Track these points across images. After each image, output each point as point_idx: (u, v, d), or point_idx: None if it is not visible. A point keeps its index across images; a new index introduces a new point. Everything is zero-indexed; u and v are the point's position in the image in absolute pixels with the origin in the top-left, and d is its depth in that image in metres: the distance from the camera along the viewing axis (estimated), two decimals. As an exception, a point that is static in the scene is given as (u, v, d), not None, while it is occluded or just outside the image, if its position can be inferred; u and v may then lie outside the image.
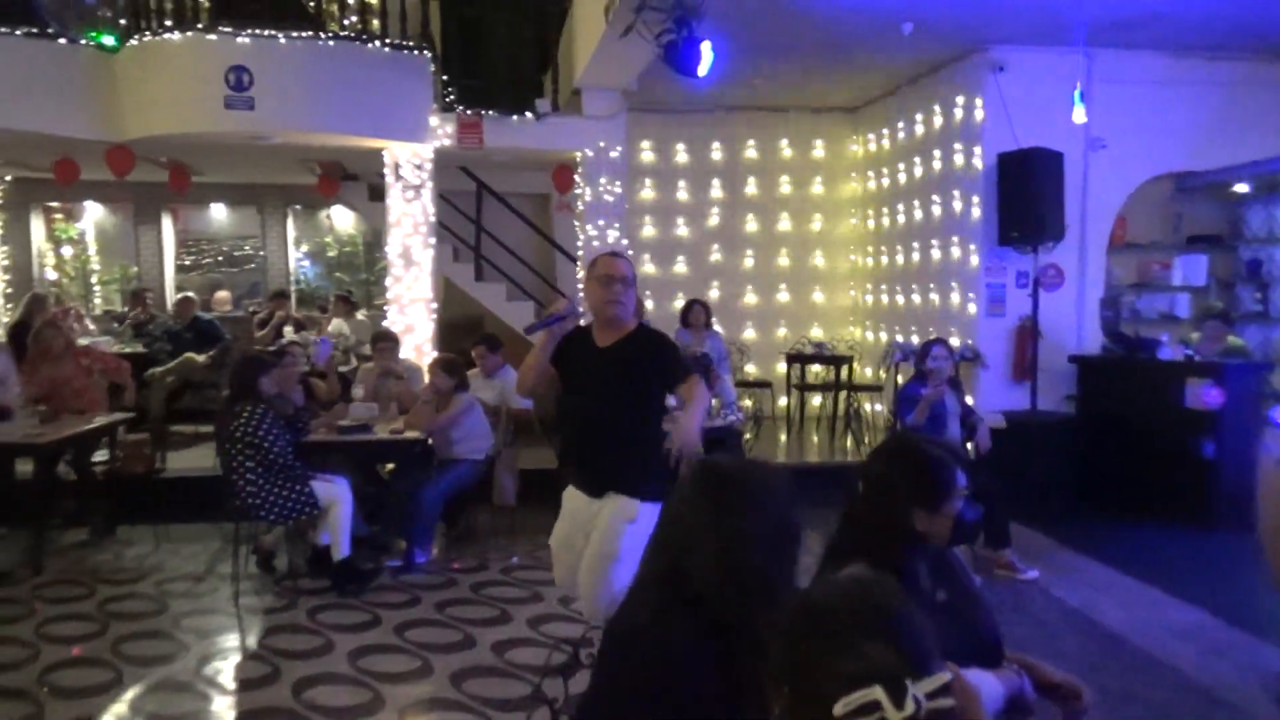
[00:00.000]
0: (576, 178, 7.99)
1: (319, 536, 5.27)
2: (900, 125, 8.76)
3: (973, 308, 7.58)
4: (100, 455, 6.50)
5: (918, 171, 8.55)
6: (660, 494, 3.30)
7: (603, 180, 7.75)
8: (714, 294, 9.67)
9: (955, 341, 7.59)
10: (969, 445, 5.68)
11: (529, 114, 7.57)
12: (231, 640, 4.53)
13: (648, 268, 9.71)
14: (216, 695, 3.92)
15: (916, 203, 8.57)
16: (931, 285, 8.29)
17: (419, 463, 5.84)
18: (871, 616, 1.26)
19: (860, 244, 9.93)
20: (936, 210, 8.17)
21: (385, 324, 7.64)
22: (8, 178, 10.40)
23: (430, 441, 5.84)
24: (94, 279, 12.39)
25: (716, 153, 9.77)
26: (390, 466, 6.34)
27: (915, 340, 8.36)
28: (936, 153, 8.15)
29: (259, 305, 11.45)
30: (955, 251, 7.85)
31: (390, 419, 6.11)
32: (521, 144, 7.68)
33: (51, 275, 12.20)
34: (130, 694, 3.92)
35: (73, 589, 5.19)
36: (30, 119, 6.80)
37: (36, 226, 12.10)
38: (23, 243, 11.84)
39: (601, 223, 7.78)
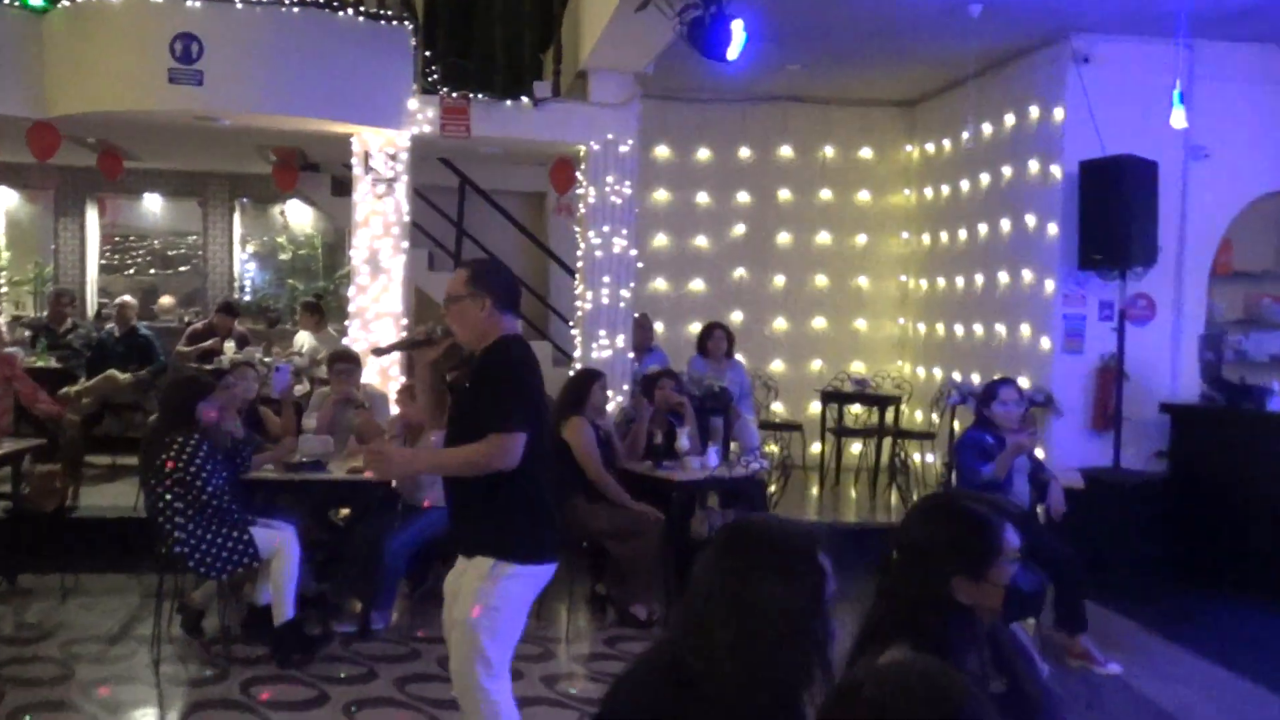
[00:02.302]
0: (579, 175, 8.04)
1: (258, 594, 5.25)
2: (964, 126, 8.83)
3: (1046, 343, 7.59)
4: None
5: (984, 181, 8.61)
6: (534, 552, 3.42)
7: (610, 179, 7.80)
8: (737, 317, 9.72)
9: (1024, 382, 7.60)
10: (1039, 508, 5.67)
11: (525, 99, 7.64)
12: (149, 716, 4.51)
13: (658, 284, 9.77)
14: (130, 781, 3.91)
15: (981, 219, 8.62)
16: (997, 316, 8.32)
17: (381, 508, 5.84)
18: (931, 715, 1.27)
19: (913, 265, 9.99)
20: (1005, 227, 8.22)
21: (346, 342, 7.68)
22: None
23: (395, 483, 5.85)
24: (2, 278, 12.47)
25: (745, 152, 9.86)
26: (346, 512, 6.34)
27: (975, 380, 8.37)
28: (1007, 159, 8.21)
29: (196, 315, 11.53)
30: (1026, 276, 7.88)
31: (348, 455, 6.12)
32: (515, 134, 7.75)
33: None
34: (27, 776, 3.91)
35: (-37, 647, 5.19)
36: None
37: (-63, 216, 12.22)
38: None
39: (607, 229, 7.82)
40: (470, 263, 3.70)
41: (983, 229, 8.61)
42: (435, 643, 5.43)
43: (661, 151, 9.74)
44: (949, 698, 1.30)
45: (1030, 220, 7.84)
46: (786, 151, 9.92)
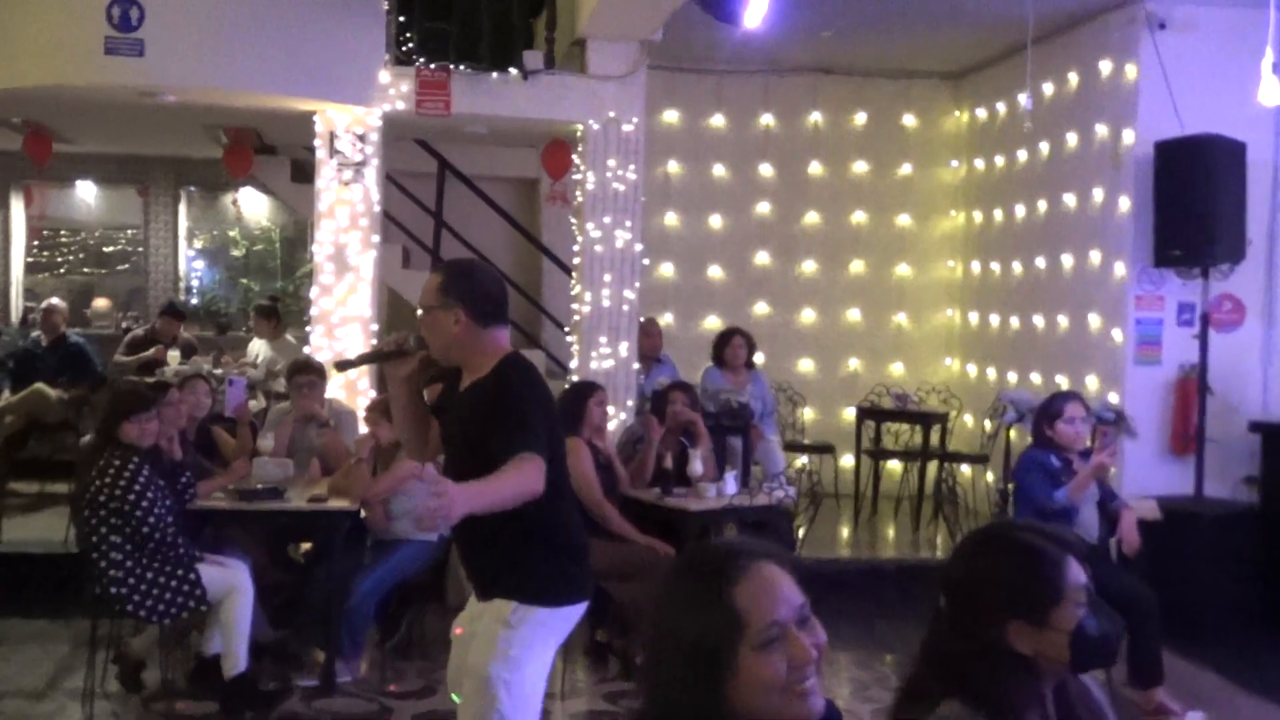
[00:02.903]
0: (575, 158, 8.06)
1: (207, 642, 5.26)
2: (1021, 89, 8.83)
3: (1118, 335, 7.59)
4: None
5: (1042, 152, 8.62)
6: (560, 592, 3.43)
7: (611, 163, 7.82)
8: (760, 310, 9.73)
9: (1092, 383, 7.62)
10: (1110, 542, 5.65)
11: (513, 71, 7.66)
12: (80, 782, 4.52)
13: (666, 271, 9.77)
14: None
15: (1042, 193, 8.64)
16: (1060, 305, 8.36)
17: (348, 543, 5.83)
18: None
19: (962, 248, 10.02)
20: (1070, 203, 8.23)
21: (307, 351, 7.69)
22: None
23: (364, 514, 5.84)
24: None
25: (768, 119, 9.87)
26: (307, 547, 6.34)
27: (1036, 379, 8.36)
28: (1072, 125, 8.21)
29: (136, 320, 11.56)
30: (1094, 259, 7.90)
31: (310, 481, 6.13)
32: (502, 111, 7.77)
33: None
34: None
35: None
36: None
37: None
38: None
39: (608, 220, 7.83)
40: (445, 266, 3.69)
41: (1043, 205, 8.62)
42: (409, 698, 5.45)
43: (670, 118, 9.73)
44: None
45: (1098, 195, 7.84)
46: (816, 118, 9.92)
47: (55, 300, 9.62)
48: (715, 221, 9.89)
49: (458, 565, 6.09)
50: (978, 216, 9.74)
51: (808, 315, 9.99)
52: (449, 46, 7.94)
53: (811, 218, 9.97)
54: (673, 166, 9.80)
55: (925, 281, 10.13)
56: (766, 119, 9.87)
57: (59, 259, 12.95)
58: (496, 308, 3.50)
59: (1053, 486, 5.42)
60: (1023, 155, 8.94)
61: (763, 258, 9.93)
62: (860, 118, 9.95)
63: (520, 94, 7.71)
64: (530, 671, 3.40)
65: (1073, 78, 8.23)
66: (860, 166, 9.99)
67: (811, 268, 9.98)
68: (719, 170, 9.87)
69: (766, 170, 9.92)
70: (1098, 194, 7.85)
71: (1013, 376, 8.86)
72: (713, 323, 9.47)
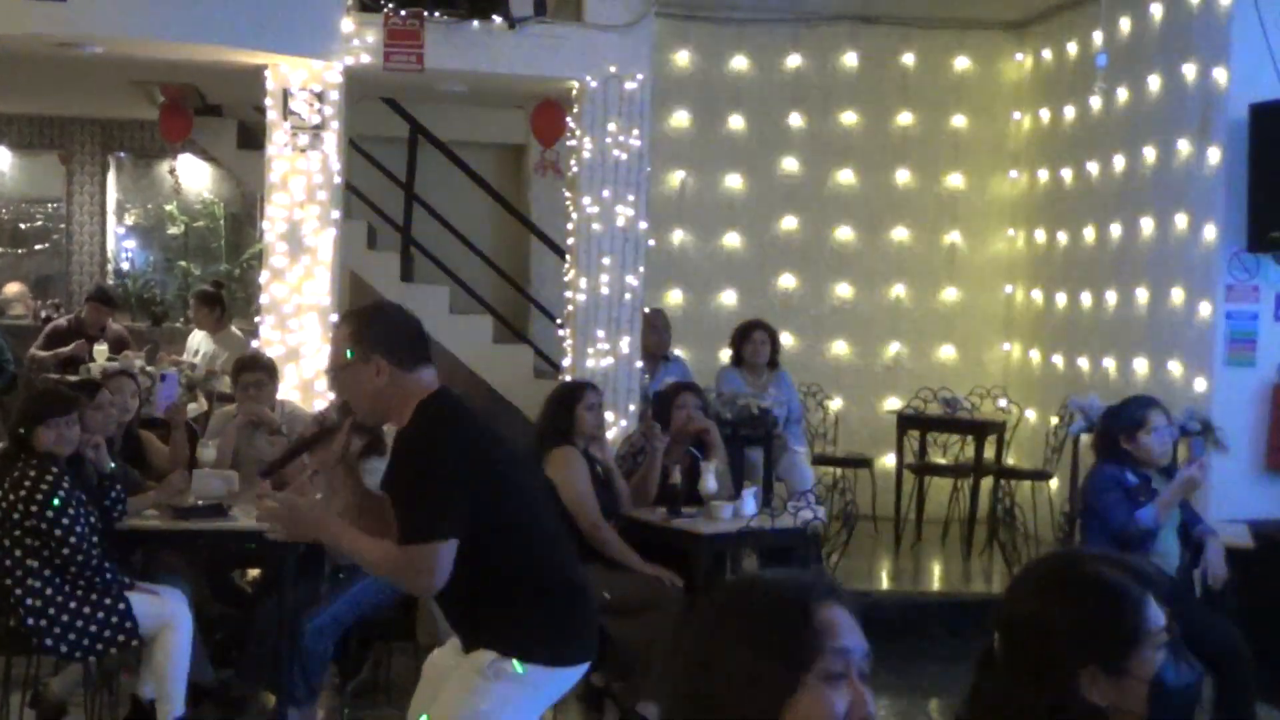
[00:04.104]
0: (569, 121, 8.08)
1: (140, 684, 5.33)
2: (1094, 30, 8.87)
3: (1205, 309, 7.57)
4: None
5: (1120, 99, 8.63)
6: (553, 650, 3.51)
7: (612, 126, 7.83)
8: (785, 285, 9.74)
9: (1173, 369, 7.60)
10: (1194, 573, 5.66)
11: (498, 19, 7.68)
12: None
13: (679, 237, 9.77)
14: None
15: (1117, 148, 8.67)
16: (1137, 277, 8.40)
17: (302, 571, 5.86)
18: None
19: (1023, 213, 10.05)
20: (1149, 158, 8.25)
21: (256, 345, 7.72)
22: None
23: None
24: None
25: (796, 61, 9.89)
26: (255, 574, 6.38)
27: (1109, 365, 8.38)
28: (1153, 81, 8.23)
29: (56, 308, 11.60)
30: (1179, 223, 7.89)
31: (259, 497, 6.14)
32: (484, 67, 7.79)
33: None
34: None
35: None
36: None
37: None
38: None
39: (607, 194, 7.85)
40: (350, 315, 3.80)
41: (1119, 162, 8.65)
42: (374, 751, 5.47)
43: (681, 60, 9.77)
44: None
45: (1184, 148, 7.88)
46: (851, 61, 9.94)
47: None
48: (733, 182, 9.92)
49: (429, 600, 6.15)
50: (1042, 176, 9.75)
51: (842, 291, 10.04)
52: (422, -10, 7.97)
53: (846, 177, 10.00)
54: (682, 118, 9.83)
55: (979, 253, 10.18)
56: (794, 61, 9.89)
57: (-35, 237, 13.00)
58: (417, 345, 3.61)
59: (1132, 508, 5.43)
60: (1096, 104, 8.93)
61: (789, 223, 9.97)
62: (907, 59, 9.96)
63: (505, 46, 7.72)
64: None
65: (1155, 11, 8.22)
66: (905, 118, 10.01)
67: (846, 235, 10.01)
68: (737, 122, 9.89)
69: (795, 121, 9.94)
70: (1183, 147, 7.87)
71: (1083, 363, 8.88)
72: (729, 299, 9.50)
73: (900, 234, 10.03)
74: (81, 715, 5.65)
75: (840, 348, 9.95)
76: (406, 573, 3.46)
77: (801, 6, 9.50)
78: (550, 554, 3.62)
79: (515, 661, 3.42)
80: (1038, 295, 9.76)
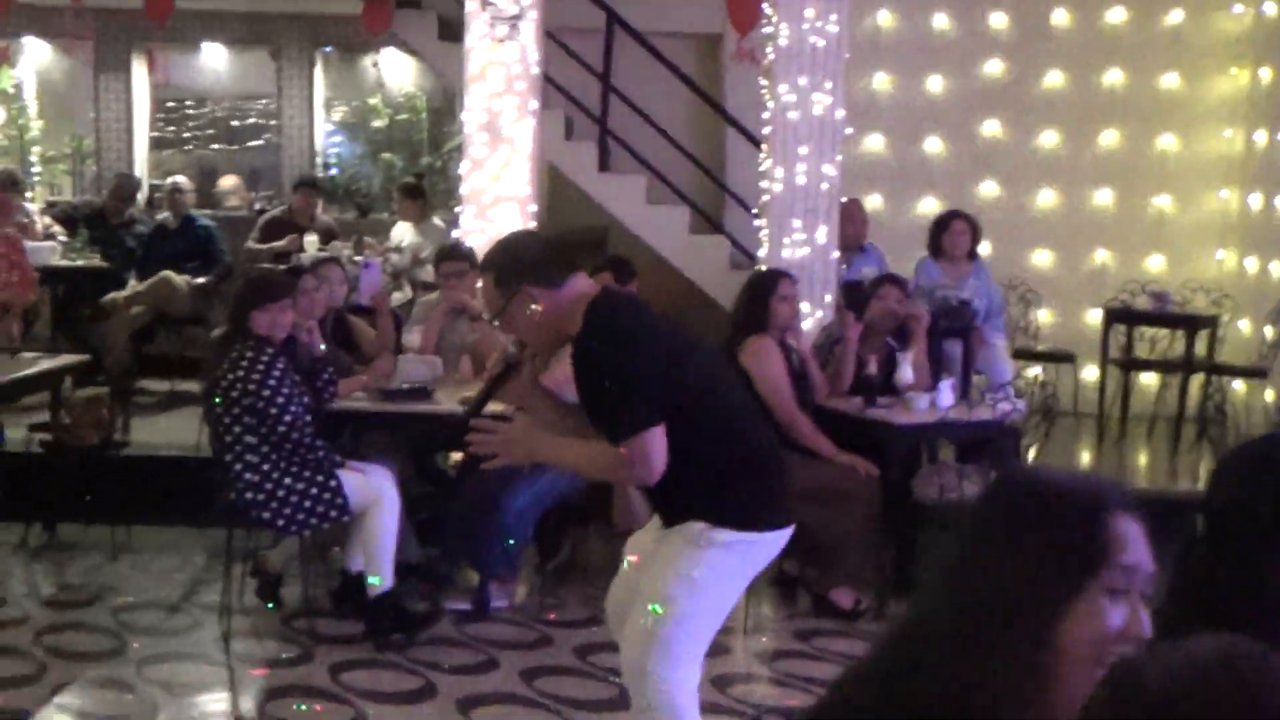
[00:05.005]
0: (766, 7, 7.96)
1: (349, 558, 5.54)
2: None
3: None
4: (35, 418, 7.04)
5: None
6: (755, 516, 3.61)
7: (809, 12, 7.68)
8: (987, 192, 9.50)
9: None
10: None
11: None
12: (218, 703, 4.85)
13: (874, 145, 9.62)
14: (194, 781, 4.23)
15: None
16: None
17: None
18: (1243, 714, 1.22)
19: (1245, 113, 9.53)
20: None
21: (457, 235, 7.88)
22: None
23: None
24: (34, 154, 13.24)
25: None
26: (458, 457, 6.57)
27: None
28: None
29: (270, 200, 12.01)
30: None
31: (461, 381, 6.32)
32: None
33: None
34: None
35: (-3, 612, 5.68)
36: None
37: (-46, 74, 13.02)
38: (-64, 98, 12.78)
39: (804, 81, 7.72)
40: (484, 266, 3.82)
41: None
42: (570, 628, 5.64)
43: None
44: (1270, 692, 1.23)
45: None
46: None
47: (181, 179, 10.10)
48: (934, 85, 9.67)
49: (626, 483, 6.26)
50: (1266, 73, 9.22)
51: (1045, 198, 9.73)
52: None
53: (1053, 78, 9.65)
54: (884, 18, 9.59)
55: (1195, 157, 9.70)
56: None
57: (185, 134, 13.48)
58: (557, 259, 3.69)
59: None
60: None
61: (992, 128, 9.69)
62: None
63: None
64: (710, 600, 3.57)
65: None
66: (1116, 14, 9.56)
67: (1052, 140, 9.69)
68: (940, 21, 9.62)
69: (998, 20, 9.61)
70: None
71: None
72: (929, 206, 9.30)
73: (1109, 138, 9.64)
74: (297, 586, 5.93)
75: (1042, 258, 9.68)
76: (628, 468, 3.53)
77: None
78: (743, 426, 3.68)
79: (722, 529, 3.52)
80: (1256, 200, 9.27)
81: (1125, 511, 1.73)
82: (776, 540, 3.67)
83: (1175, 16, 9.56)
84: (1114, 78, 9.63)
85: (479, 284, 6.87)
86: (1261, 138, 9.25)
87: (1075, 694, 1.66)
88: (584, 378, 3.55)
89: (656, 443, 3.43)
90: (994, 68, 9.64)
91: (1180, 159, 9.71)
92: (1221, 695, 1.23)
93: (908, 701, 1.72)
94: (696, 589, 3.51)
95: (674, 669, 3.51)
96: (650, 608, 3.53)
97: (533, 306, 3.55)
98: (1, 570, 6.28)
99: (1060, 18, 9.57)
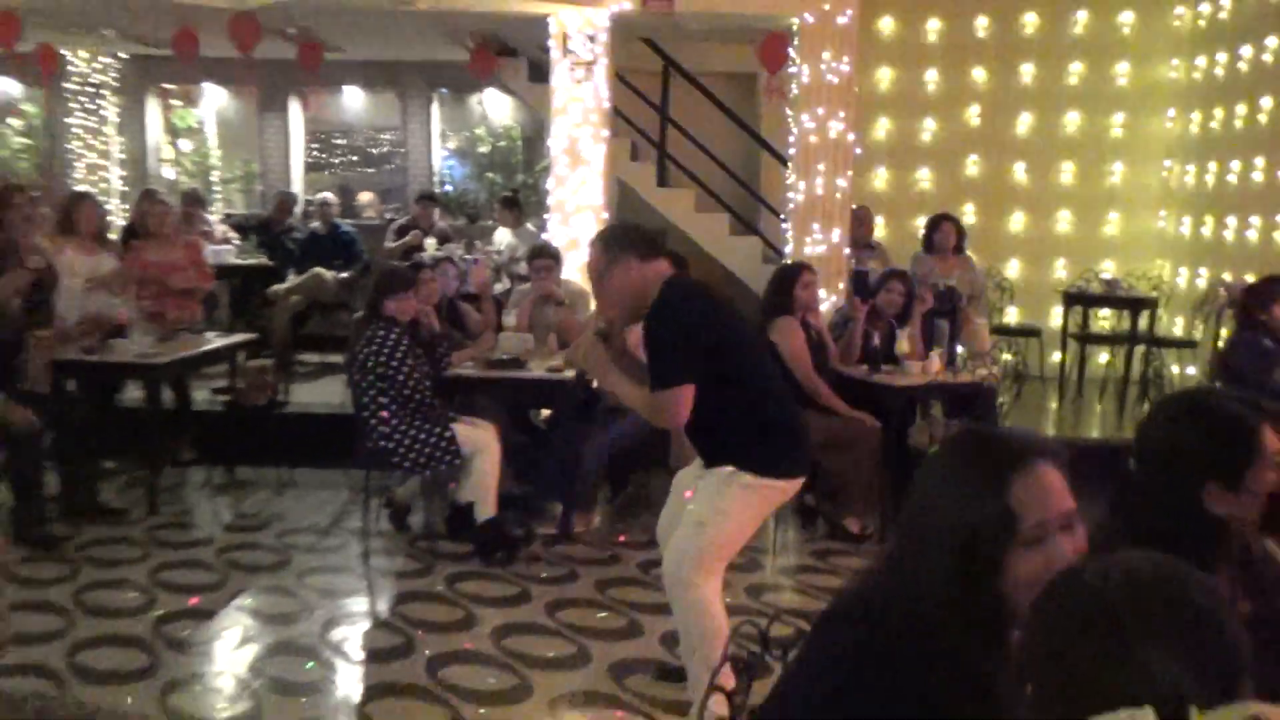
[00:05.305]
0: (791, 52, 7.93)
1: (460, 492, 5.64)
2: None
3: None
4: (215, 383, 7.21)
5: (1272, 44, 7.92)
6: (775, 466, 3.69)
7: (826, 55, 7.66)
8: (969, 213, 9.41)
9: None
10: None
11: (734, -32, 7.56)
12: (360, 604, 5.00)
13: (879, 175, 9.57)
14: (343, 664, 4.36)
15: (1271, 91, 7.95)
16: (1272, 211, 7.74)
17: (581, 410, 6.10)
18: (1162, 618, 1.20)
19: (1180, 150, 9.35)
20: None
21: (545, 237, 7.94)
22: (123, 55, 11.44)
23: (596, 384, 6.06)
24: (214, 176, 13.47)
25: (982, 21, 9.41)
26: (546, 413, 6.65)
27: (1252, 235, 7.87)
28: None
29: (397, 211, 12.14)
30: None
31: (548, 354, 6.41)
32: (723, 7, 7.71)
33: (170, 174, 13.35)
34: (250, 653, 4.42)
35: (189, 534, 5.86)
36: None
37: (153, 114, 13.28)
38: (138, 133, 13.03)
39: (822, 111, 7.71)
40: (594, 240, 3.92)
41: (1266, 103, 7.96)
42: (635, 548, 5.71)
43: (885, 25, 9.43)
44: (1190, 602, 1.21)
45: None
46: (1031, 20, 9.40)
47: (327, 195, 10.22)
48: (927, 127, 9.53)
49: (679, 432, 6.31)
50: (1196, 118, 9.00)
51: (1017, 220, 9.59)
52: (673, -53, 7.88)
53: (1023, 121, 9.47)
54: (885, 75, 9.49)
55: (1138, 185, 9.48)
56: (980, 21, 9.37)
57: (331, 159, 13.65)
58: (650, 243, 3.80)
59: (1268, 366, 5.15)
60: (1248, 52, 8.19)
61: (973, 161, 9.54)
62: (1078, 16, 9.30)
63: (740, -11, 7.61)
64: (733, 524, 3.69)
65: None
66: (1075, 68, 9.36)
67: (1021, 171, 9.52)
68: (931, 76, 9.46)
69: (979, 75, 9.45)
70: None
71: (1227, 277, 8.31)
72: (922, 224, 9.24)
73: (1068, 169, 9.45)
74: (420, 515, 6.09)
75: (1014, 267, 9.54)
76: (656, 411, 3.64)
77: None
78: (769, 393, 3.78)
79: (745, 473, 3.64)
80: (1187, 222, 9.07)
81: (1034, 467, 1.68)
82: (790, 486, 3.77)
83: (1122, 68, 9.37)
84: (1072, 120, 9.45)
85: (562, 276, 7.00)
86: (1192, 169, 9.07)
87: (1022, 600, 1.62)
88: (647, 335, 3.65)
89: (682, 398, 3.55)
90: (974, 113, 9.50)
91: (1126, 186, 9.52)
92: (1146, 593, 1.23)
93: (884, 613, 1.71)
94: (724, 518, 3.65)
95: (703, 575, 3.64)
96: (688, 527, 3.67)
97: (629, 273, 3.67)
98: (192, 502, 6.47)
99: (1028, 71, 9.41)
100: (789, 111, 8.22)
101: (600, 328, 3.86)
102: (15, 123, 13.35)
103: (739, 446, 3.67)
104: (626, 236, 3.80)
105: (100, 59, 11.36)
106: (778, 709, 1.82)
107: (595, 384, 6.06)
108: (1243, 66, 8.33)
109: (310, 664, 4.33)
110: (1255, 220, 8.03)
